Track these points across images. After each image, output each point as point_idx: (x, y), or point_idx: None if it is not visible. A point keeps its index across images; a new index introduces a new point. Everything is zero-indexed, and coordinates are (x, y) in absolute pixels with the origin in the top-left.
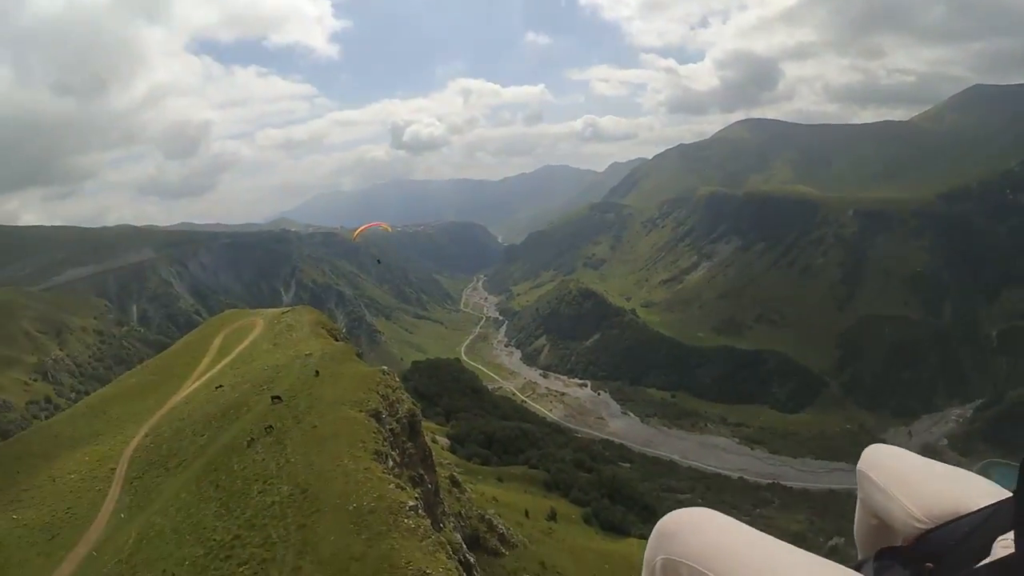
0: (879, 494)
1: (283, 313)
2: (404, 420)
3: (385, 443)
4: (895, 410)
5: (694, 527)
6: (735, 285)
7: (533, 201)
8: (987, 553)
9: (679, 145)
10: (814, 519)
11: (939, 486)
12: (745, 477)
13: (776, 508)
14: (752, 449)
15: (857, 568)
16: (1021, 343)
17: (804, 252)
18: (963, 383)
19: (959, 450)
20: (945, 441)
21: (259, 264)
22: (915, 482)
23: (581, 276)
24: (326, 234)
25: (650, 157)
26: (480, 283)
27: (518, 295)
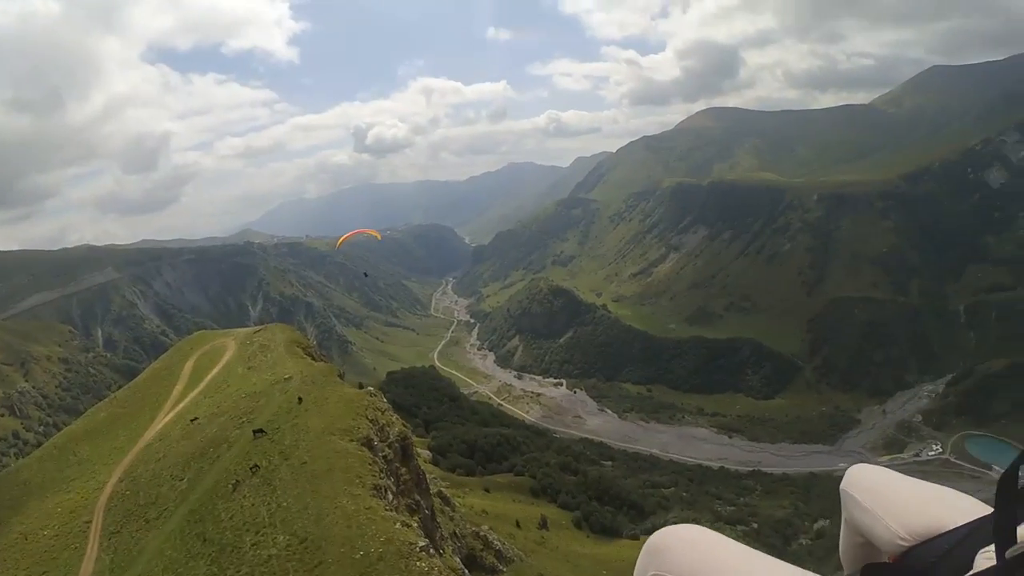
0: (863, 513)
1: (255, 332)
2: (396, 444)
3: (381, 474)
4: (868, 390)
5: (684, 544)
6: (704, 275)
7: (499, 200)
8: (969, 567)
9: (643, 137)
10: (798, 504)
11: (921, 504)
12: (726, 466)
13: (759, 496)
14: (731, 438)
15: None
16: (988, 317)
17: (771, 239)
18: (933, 359)
19: (933, 424)
20: (919, 417)
21: (225, 279)
22: (898, 501)
23: (551, 274)
24: (292, 244)
25: (614, 150)
26: (449, 286)
27: (488, 296)
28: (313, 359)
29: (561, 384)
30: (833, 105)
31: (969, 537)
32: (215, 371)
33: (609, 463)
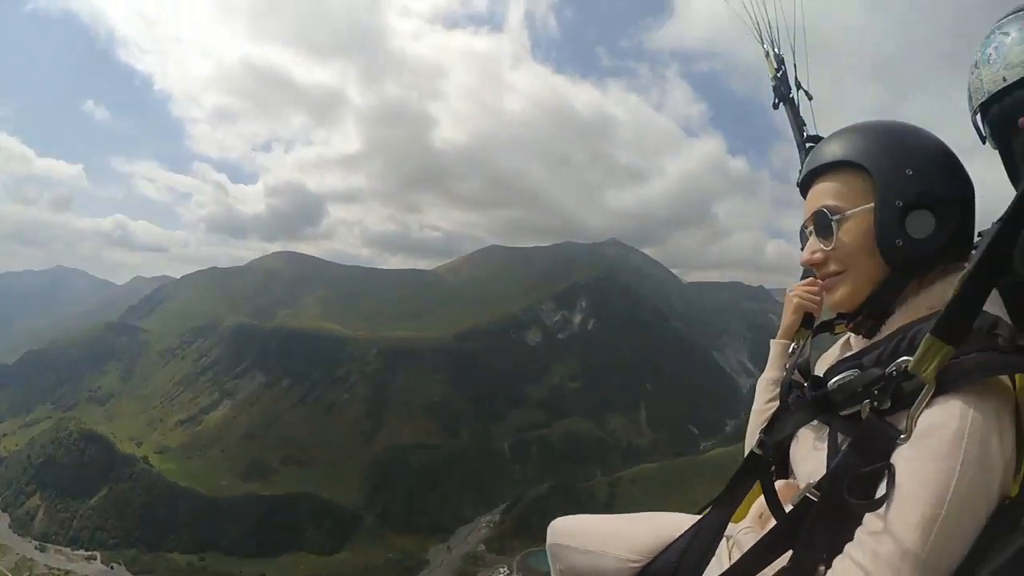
0: (584, 556)
1: None
2: None
3: None
4: (431, 529)
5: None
6: (260, 424)
7: (36, 309)
8: (711, 556)
9: (212, 268)
10: None
11: (638, 528)
12: None
13: None
14: None
15: None
16: (528, 451)
17: (330, 389)
18: (487, 492)
19: (496, 550)
20: (483, 547)
21: None
22: (614, 532)
23: (84, 413)
24: None
25: (178, 276)
26: None
27: (4, 436)
28: None
29: (95, 558)
30: (401, 267)
31: (700, 533)
32: None
33: None
